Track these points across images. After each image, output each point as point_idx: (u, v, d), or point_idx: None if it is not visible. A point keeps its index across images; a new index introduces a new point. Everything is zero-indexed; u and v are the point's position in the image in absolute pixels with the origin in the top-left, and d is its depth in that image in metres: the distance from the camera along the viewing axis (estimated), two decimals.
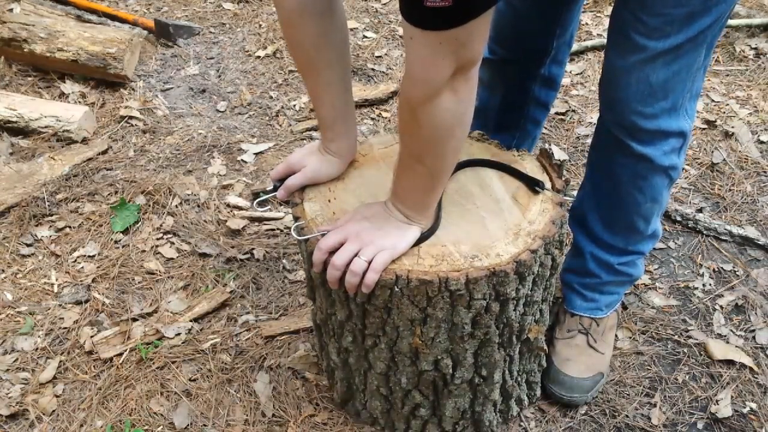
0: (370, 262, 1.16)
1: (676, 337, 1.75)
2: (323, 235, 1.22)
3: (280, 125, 2.55)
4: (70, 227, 2.07)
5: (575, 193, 1.67)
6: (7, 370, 1.67)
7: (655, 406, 1.60)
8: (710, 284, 1.90)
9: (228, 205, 2.16)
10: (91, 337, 1.75)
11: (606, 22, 2.64)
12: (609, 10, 2.79)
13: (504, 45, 1.62)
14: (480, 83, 1.95)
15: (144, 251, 1.99)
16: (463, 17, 0.94)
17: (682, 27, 1.23)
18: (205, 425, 1.56)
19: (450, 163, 1.20)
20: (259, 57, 2.92)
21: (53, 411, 1.59)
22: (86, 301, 1.85)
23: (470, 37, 0.99)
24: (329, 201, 1.32)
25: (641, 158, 1.41)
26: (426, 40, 0.98)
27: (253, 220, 2.11)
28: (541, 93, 1.73)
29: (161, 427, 1.55)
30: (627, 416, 1.57)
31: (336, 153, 1.37)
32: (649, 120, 1.34)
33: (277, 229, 2.10)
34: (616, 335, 1.73)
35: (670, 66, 1.28)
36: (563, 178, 1.36)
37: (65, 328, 1.78)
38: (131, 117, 2.54)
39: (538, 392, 1.59)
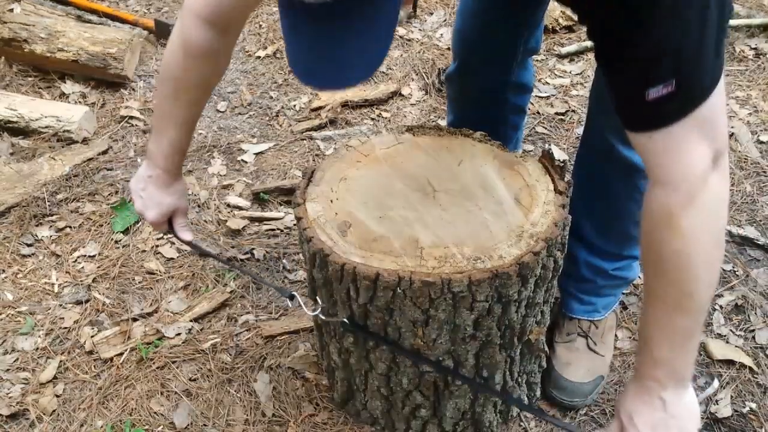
0: None
1: None
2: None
3: (280, 125, 2.55)
4: (70, 227, 2.07)
5: None
6: (8, 370, 1.68)
7: None
8: None
9: (228, 205, 2.16)
10: (92, 337, 1.75)
11: None
12: None
13: (473, 55, 1.61)
14: (453, 97, 1.92)
15: (144, 251, 1.99)
16: (695, 99, 0.87)
17: None
18: (205, 425, 1.56)
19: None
20: (259, 57, 2.91)
21: (53, 411, 1.59)
22: (86, 301, 1.85)
23: (714, 110, 0.89)
24: (332, 201, 1.32)
25: (633, 168, 1.39)
26: (670, 137, 0.89)
27: (253, 220, 2.11)
28: (516, 99, 1.74)
29: (161, 427, 1.55)
30: None
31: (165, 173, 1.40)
32: None
33: (277, 229, 2.10)
34: (615, 335, 1.73)
35: None
36: (566, 180, 1.36)
37: (65, 328, 1.78)
38: (131, 117, 2.54)
39: (538, 392, 1.59)
